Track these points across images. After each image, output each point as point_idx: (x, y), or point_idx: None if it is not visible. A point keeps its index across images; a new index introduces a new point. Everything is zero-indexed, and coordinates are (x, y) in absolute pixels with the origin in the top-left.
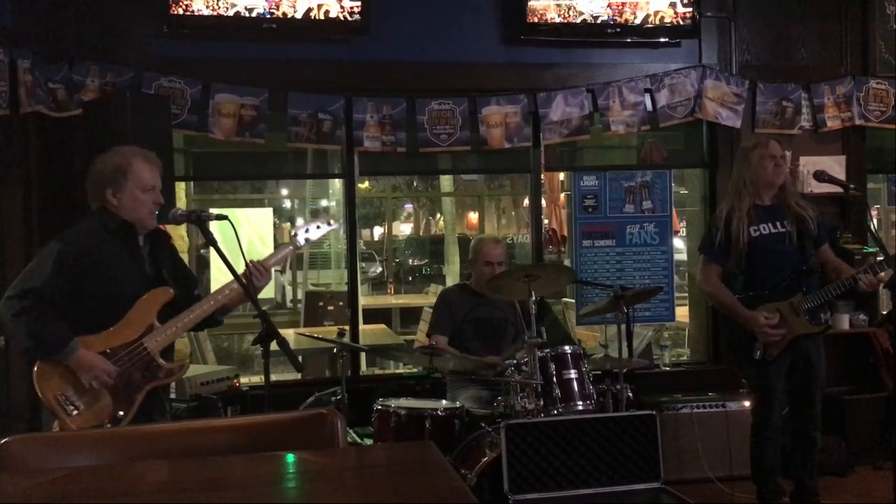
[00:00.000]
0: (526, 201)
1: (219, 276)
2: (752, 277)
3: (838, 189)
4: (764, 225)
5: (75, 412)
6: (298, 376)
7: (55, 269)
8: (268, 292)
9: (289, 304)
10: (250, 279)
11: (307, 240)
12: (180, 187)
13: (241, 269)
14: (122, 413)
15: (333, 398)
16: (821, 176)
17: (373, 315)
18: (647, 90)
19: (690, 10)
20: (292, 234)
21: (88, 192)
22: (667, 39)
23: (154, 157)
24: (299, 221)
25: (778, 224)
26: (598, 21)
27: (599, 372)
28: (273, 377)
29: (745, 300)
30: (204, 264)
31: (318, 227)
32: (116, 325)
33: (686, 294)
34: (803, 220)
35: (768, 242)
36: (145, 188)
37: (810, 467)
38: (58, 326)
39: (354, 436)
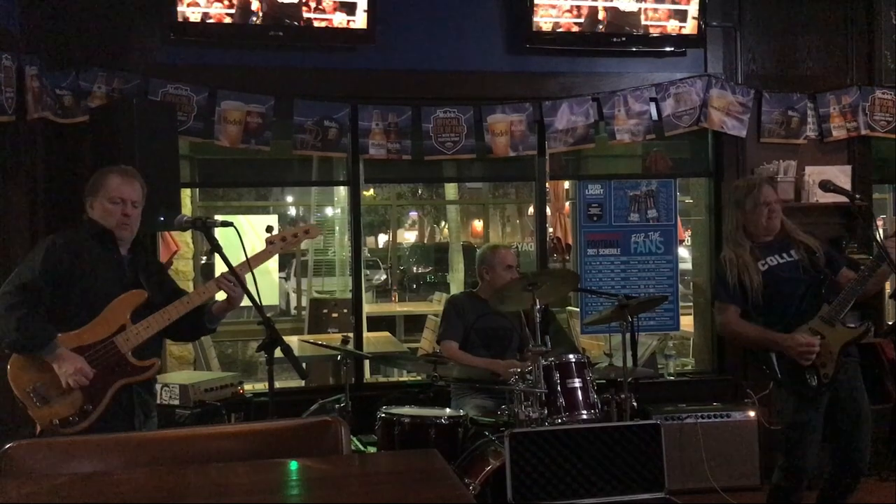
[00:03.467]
0: (531, 209)
1: None
2: (770, 312)
3: (844, 199)
4: (771, 258)
5: (45, 404)
6: (302, 383)
7: (44, 262)
8: (272, 299)
9: (293, 312)
10: (241, 287)
11: (282, 248)
12: (186, 194)
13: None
14: (90, 407)
15: (337, 405)
16: (826, 186)
17: (377, 322)
18: (652, 99)
19: (696, 19)
20: (270, 241)
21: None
22: (672, 48)
23: (134, 173)
24: (276, 229)
25: (784, 254)
26: (603, 30)
27: (604, 381)
28: (277, 384)
29: None
30: (208, 270)
31: (294, 235)
32: (90, 324)
33: (691, 303)
34: (810, 249)
35: (780, 272)
36: (114, 200)
37: (842, 501)
38: (45, 324)
39: (358, 444)
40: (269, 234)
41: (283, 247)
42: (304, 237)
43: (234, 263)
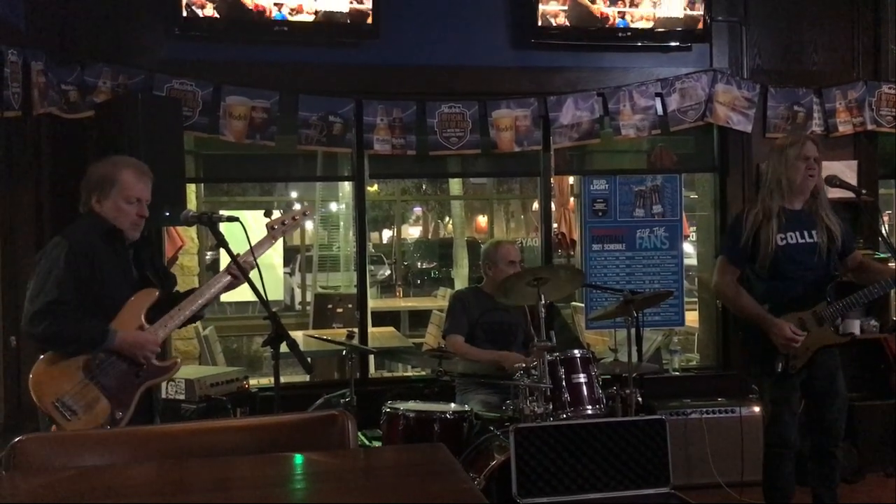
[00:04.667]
0: (535, 205)
1: None
2: (773, 286)
3: (850, 194)
4: (792, 233)
5: (74, 417)
6: (307, 378)
7: (66, 271)
8: (277, 294)
9: (298, 307)
10: (243, 276)
11: (283, 232)
12: (191, 189)
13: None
14: (120, 414)
15: (342, 400)
16: (832, 181)
17: (381, 318)
18: (657, 94)
19: (702, 14)
20: (271, 227)
21: (80, 197)
22: (678, 43)
23: (146, 169)
24: (276, 213)
25: (806, 234)
26: (609, 25)
27: (609, 376)
28: (282, 379)
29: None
30: (214, 265)
31: (293, 217)
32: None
33: (696, 299)
34: (831, 233)
35: (795, 253)
36: (129, 199)
37: (829, 484)
38: (90, 321)
39: (363, 438)
40: (268, 220)
41: (284, 230)
42: (303, 219)
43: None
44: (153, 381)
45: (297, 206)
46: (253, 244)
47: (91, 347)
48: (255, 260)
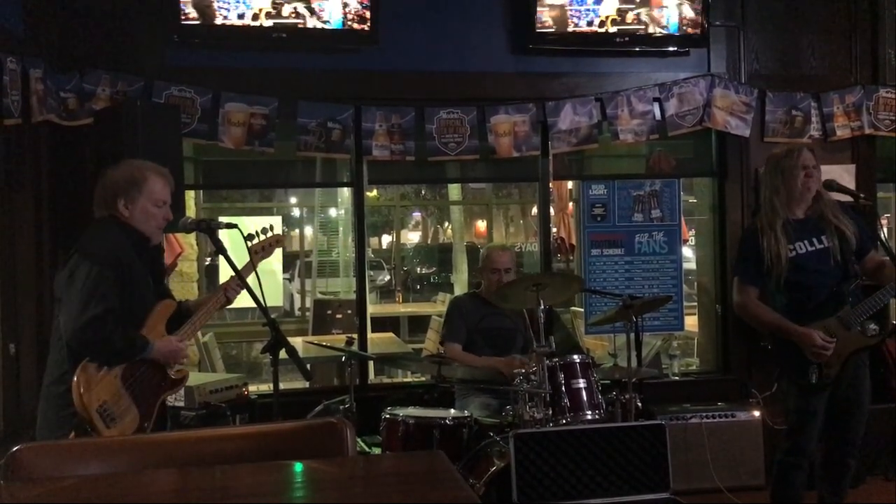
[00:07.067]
0: (534, 210)
1: None
2: (793, 298)
3: (848, 198)
4: (800, 243)
5: (113, 424)
6: (307, 385)
7: (108, 282)
8: (276, 300)
9: (297, 313)
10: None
11: (262, 257)
12: (189, 196)
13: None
14: (146, 425)
15: (342, 406)
16: (830, 185)
17: (381, 323)
18: (655, 99)
19: (699, 18)
20: (252, 249)
21: (96, 201)
22: (675, 48)
23: (167, 172)
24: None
25: (815, 240)
26: (607, 30)
27: (608, 381)
28: (281, 385)
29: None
30: (213, 272)
31: (270, 244)
32: None
33: (695, 303)
34: (843, 234)
35: (808, 261)
36: (157, 203)
37: (839, 492)
38: (132, 331)
39: (362, 444)
40: (250, 244)
41: (263, 256)
42: (277, 246)
43: (239, 265)
44: (170, 393)
45: (270, 233)
46: (240, 270)
47: (132, 357)
48: (240, 284)
